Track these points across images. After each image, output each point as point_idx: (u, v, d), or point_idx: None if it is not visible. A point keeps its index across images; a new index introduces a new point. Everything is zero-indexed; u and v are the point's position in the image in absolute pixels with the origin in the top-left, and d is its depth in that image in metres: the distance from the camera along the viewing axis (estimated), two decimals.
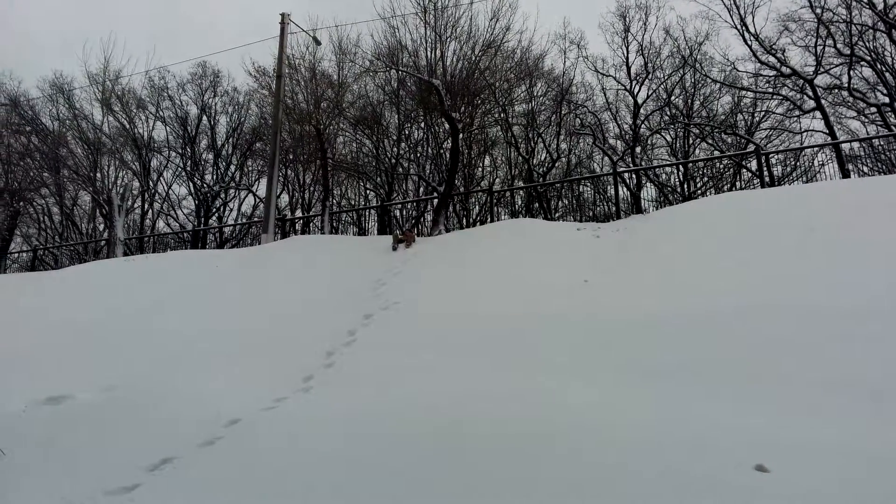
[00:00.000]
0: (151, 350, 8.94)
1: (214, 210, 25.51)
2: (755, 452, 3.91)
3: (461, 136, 16.85)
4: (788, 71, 18.87)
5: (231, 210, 26.29)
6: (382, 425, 5.10)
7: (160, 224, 26.72)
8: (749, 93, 20.40)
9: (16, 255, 25.22)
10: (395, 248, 13.34)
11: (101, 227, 25.84)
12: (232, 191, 25.53)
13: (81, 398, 7.04)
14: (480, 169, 22.37)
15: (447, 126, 18.22)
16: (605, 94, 21.71)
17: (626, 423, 4.61)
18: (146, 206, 25.83)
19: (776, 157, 17.37)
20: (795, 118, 20.17)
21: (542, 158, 21.86)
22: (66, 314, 11.63)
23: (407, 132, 21.84)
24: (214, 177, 25.36)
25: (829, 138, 17.63)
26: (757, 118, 20.77)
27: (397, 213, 21.53)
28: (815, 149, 16.44)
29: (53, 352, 9.50)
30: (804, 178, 16.74)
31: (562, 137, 21.62)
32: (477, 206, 20.89)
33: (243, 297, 11.31)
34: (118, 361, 8.57)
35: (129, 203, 23.45)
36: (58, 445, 5.58)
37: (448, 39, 17.50)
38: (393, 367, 7.09)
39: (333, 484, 4.07)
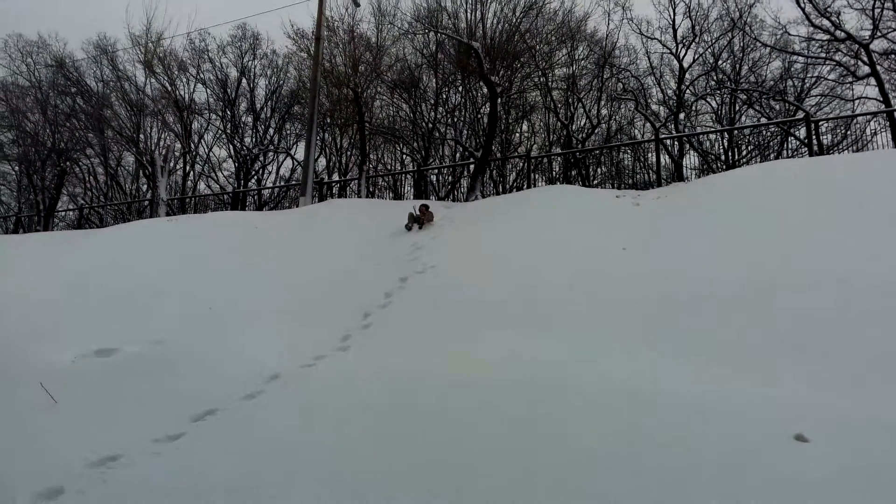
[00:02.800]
0: (195, 308, 9.16)
1: (254, 173, 25.81)
2: (794, 423, 3.86)
3: (499, 100, 16.64)
4: (843, 35, 18.06)
5: (270, 173, 26.58)
6: (415, 384, 5.18)
7: (201, 186, 27.20)
8: (800, 58, 19.63)
9: (63, 213, 25.97)
10: (409, 228, 12.31)
11: (145, 187, 26.41)
12: (271, 153, 25.76)
13: (128, 351, 7.28)
14: (518, 134, 22.15)
15: (485, 90, 18.01)
16: (649, 58, 21.15)
17: (663, 391, 4.58)
18: (188, 167, 26.25)
19: (826, 124, 16.78)
20: (848, 85, 19.38)
21: (582, 124, 21.51)
22: (112, 271, 11.96)
23: (445, 96, 21.67)
24: (254, 139, 25.60)
25: (884, 106, 16.92)
26: (807, 84, 20.00)
27: (433, 178, 21.50)
28: (868, 116, 15.81)
29: (101, 307, 9.81)
30: (854, 147, 16.14)
31: (603, 103, 21.20)
32: (513, 173, 20.72)
33: (282, 259, 11.48)
34: (163, 318, 8.82)
35: (172, 164, 23.85)
36: (106, 395, 5.79)
37: (489, 0, 17.20)
38: (426, 329, 7.16)
39: (368, 437, 4.16)
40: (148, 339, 7.67)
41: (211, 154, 26.93)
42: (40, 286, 11.46)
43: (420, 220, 12.49)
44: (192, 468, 3.88)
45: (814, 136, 14.18)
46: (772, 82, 19.98)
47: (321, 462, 3.81)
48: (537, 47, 18.97)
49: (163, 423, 4.77)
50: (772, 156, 18.60)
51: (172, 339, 7.63)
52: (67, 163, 25.12)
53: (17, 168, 26.59)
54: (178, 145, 25.22)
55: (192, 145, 25.89)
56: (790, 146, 18.02)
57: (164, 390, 5.70)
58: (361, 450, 3.95)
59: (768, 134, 19.07)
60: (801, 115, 15.42)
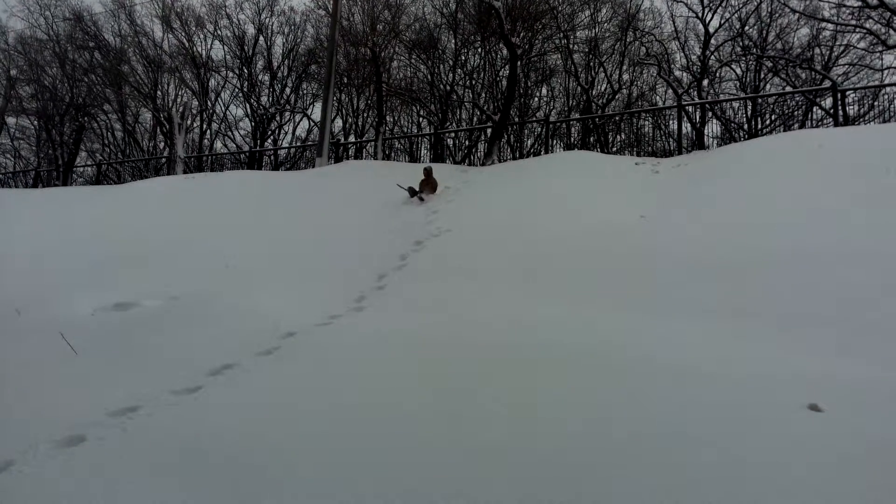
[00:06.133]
0: (211, 265, 9.25)
1: (270, 132, 25.73)
2: (808, 392, 3.85)
3: (519, 62, 16.37)
4: (875, 2, 17.50)
5: (286, 133, 26.48)
6: (427, 343, 5.22)
7: (218, 144, 27.18)
8: (829, 25, 19.07)
9: (81, 168, 26.12)
10: (418, 198, 11.94)
11: (162, 144, 26.43)
12: (287, 113, 25.63)
13: (147, 305, 7.38)
14: (537, 99, 21.85)
15: (505, 52, 17.73)
16: (673, 22, 20.80)
17: (677, 358, 4.58)
18: (204, 125, 26.22)
19: (853, 94, 16.37)
20: (878, 54, 18.84)
21: (603, 89, 21.16)
22: (129, 227, 12.08)
23: (463, 58, 21.35)
24: (270, 99, 25.47)
25: None
26: (835, 53, 19.48)
27: (450, 141, 21.33)
28: None
29: (119, 262, 9.93)
30: (882, 118, 15.77)
31: (625, 67, 20.80)
32: (531, 138, 20.50)
33: (300, 219, 11.52)
34: (180, 274, 8.92)
35: (189, 122, 23.84)
36: (125, 347, 5.89)
37: None
38: (440, 291, 7.19)
39: (380, 394, 4.21)
40: (165, 295, 7.76)
41: (227, 112, 26.87)
42: (59, 240, 11.61)
43: (420, 191, 12.12)
44: (210, 420, 3.95)
45: (840, 106, 13.86)
46: (799, 50, 19.48)
47: (333, 416, 3.86)
48: (559, 8, 18.59)
49: (180, 376, 4.84)
50: (796, 125, 18.23)
51: (189, 295, 7.72)
52: (85, 118, 25.16)
53: (36, 123, 26.71)
54: (195, 103, 25.16)
55: (209, 103, 25.83)
56: (815, 116, 17.64)
57: (182, 344, 5.79)
58: (372, 407, 3.99)
59: (793, 103, 18.67)
60: (827, 84, 15.06)
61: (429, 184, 12.26)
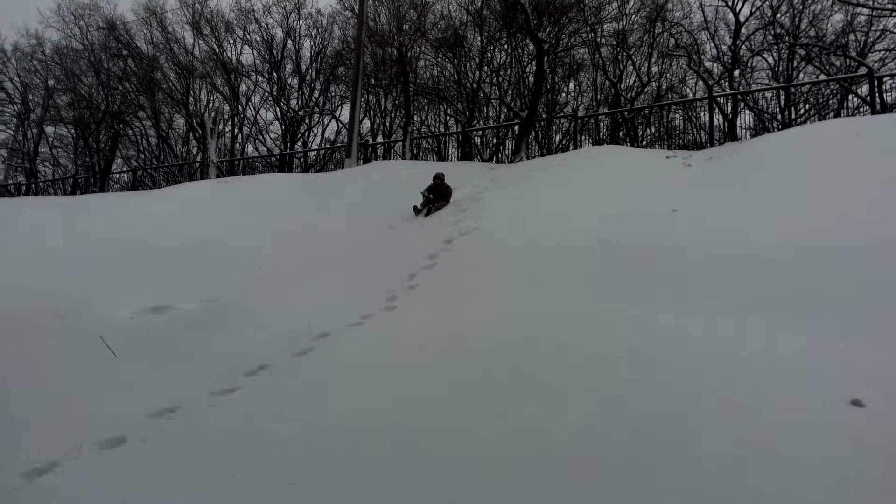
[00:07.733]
0: (245, 268, 9.39)
1: (300, 135, 25.97)
2: (851, 387, 3.77)
3: (546, 58, 16.26)
4: None
5: (315, 135, 26.69)
6: (458, 342, 5.21)
7: (249, 148, 27.53)
8: (864, 10, 18.55)
9: (117, 175, 26.71)
10: (418, 213, 11.38)
11: (195, 150, 26.88)
12: (316, 116, 25.85)
13: (184, 308, 7.53)
14: (564, 94, 21.68)
15: (531, 48, 17.64)
16: (703, 12, 20.50)
17: (718, 353, 4.51)
18: (236, 130, 26.59)
19: (890, 81, 15.92)
20: None
21: (631, 83, 20.90)
22: (164, 231, 12.30)
23: (489, 55, 21.29)
24: (299, 102, 25.70)
25: None
26: (871, 38, 18.95)
27: (477, 139, 21.29)
28: None
29: (155, 266, 10.13)
30: None
31: (653, 60, 20.50)
32: (559, 134, 20.35)
33: (328, 220, 11.62)
34: (215, 277, 9.07)
35: (220, 127, 24.20)
36: (164, 349, 6.03)
37: None
38: (470, 289, 7.17)
39: (413, 390, 4.24)
40: (201, 298, 7.91)
41: (258, 116, 27.20)
42: (98, 245, 11.88)
43: (428, 201, 11.53)
44: (247, 420, 4.02)
45: (877, 94, 13.49)
46: (833, 36, 19.00)
47: (369, 418, 3.90)
48: (586, 1, 18.42)
49: (218, 377, 4.94)
50: (831, 114, 17.80)
51: (224, 298, 7.85)
52: (121, 125, 25.72)
53: (73, 131, 27.39)
54: (227, 108, 25.53)
55: (240, 108, 26.17)
56: (851, 104, 17.19)
57: (218, 346, 5.90)
58: (406, 408, 4.02)
59: (828, 92, 18.22)
60: (863, 70, 14.68)
61: (440, 192, 11.66)
